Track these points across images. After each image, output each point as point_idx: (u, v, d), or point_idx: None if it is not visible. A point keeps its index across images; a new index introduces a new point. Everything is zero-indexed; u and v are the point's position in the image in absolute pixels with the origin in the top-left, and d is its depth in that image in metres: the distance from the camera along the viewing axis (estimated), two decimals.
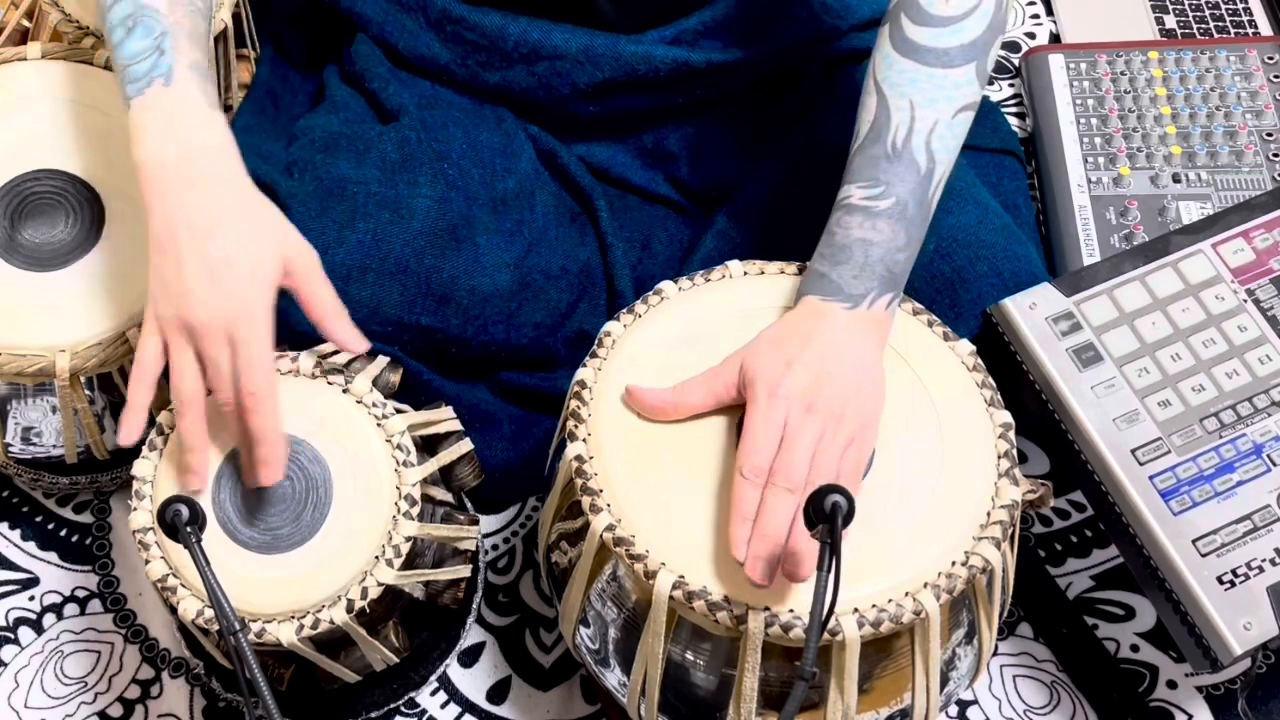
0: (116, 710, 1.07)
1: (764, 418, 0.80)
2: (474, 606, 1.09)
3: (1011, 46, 1.51)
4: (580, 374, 0.88)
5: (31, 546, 1.16)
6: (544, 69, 1.10)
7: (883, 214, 0.85)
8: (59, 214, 1.01)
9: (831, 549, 0.70)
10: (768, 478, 0.79)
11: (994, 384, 0.88)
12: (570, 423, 0.86)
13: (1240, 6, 1.48)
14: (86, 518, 1.17)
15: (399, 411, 0.92)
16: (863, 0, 1.15)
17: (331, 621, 0.86)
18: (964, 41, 0.86)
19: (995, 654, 1.09)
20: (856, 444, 0.82)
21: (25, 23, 1.21)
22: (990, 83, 1.48)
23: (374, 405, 0.91)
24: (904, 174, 0.85)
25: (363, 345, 0.89)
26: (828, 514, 0.71)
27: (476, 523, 0.96)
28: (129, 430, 0.85)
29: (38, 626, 1.11)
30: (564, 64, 1.09)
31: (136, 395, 0.85)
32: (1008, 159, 1.23)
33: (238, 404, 0.84)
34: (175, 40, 0.87)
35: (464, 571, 0.96)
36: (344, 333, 0.88)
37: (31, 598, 1.13)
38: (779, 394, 0.81)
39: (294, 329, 0.95)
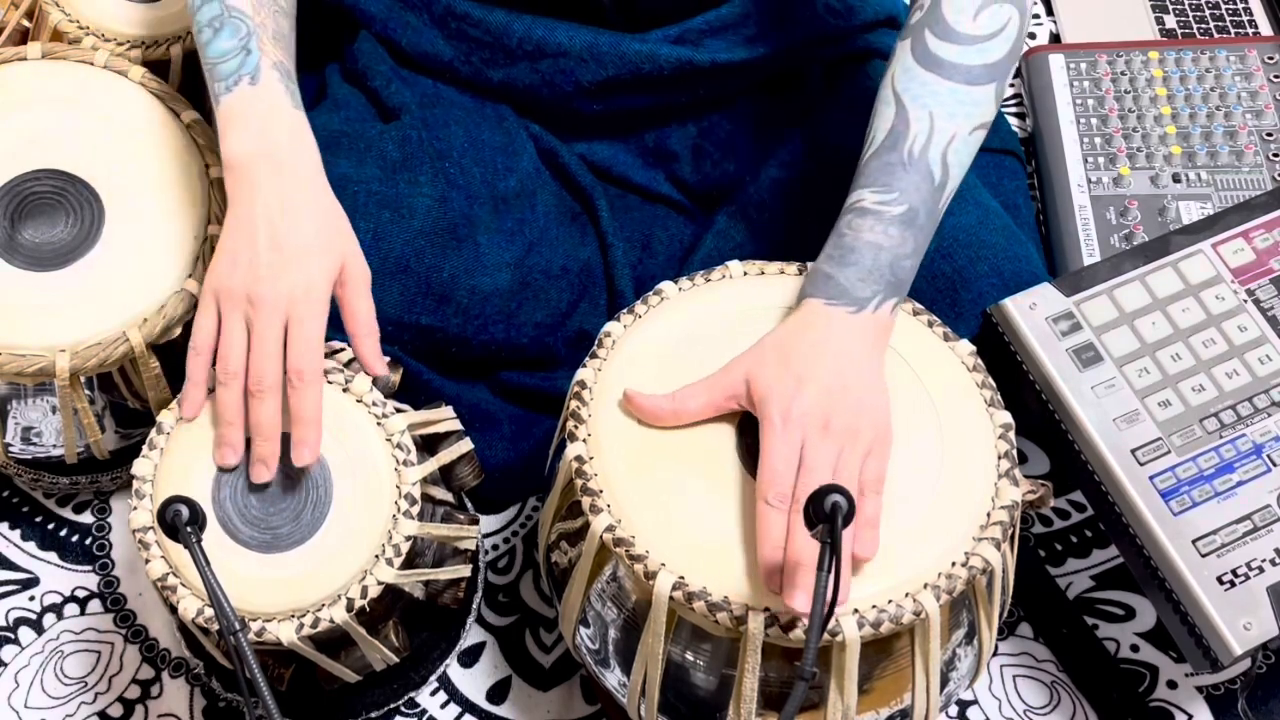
0: (116, 710, 1.07)
1: (781, 441, 0.80)
2: (474, 606, 1.09)
3: None
4: (580, 374, 0.88)
5: (31, 546, 1.16)
6: (548, 66, 1.10)
7: (895, 220, 0.84)
8: (59, 214, 1.01)
9: (831, 549, 0.70)
10: (791, 504, 0.79)
11: (994, 384, 0.88)
12: (570, 423, 0.86)
13: (1240, 6, 1.48)
14: (86, 518, 1.17)
15: (399, 411, 0.92)
16: (866, 2, 1.15)
17: (331, 621, 0.86)
18: (988, 61, 0.87)
19: (995, 654, 1.08)
20: (875, 454, 0.82)
21: (25, 23, 1.21)
22: None
23: (374, 405, 0.91)
24: (919, 183, 0.85)
25: (381, 369, 0.91)
26: (828, 514, 0.71)
27: (476, 523, 0.96)
28: (191, 404, 0.89)
29: (38, 626, 1.11)
30: (568, 62, 1.09)
31: (195, 369, 0.88)
32: (1008, 159, 1.24)
33: (264, 386, 0.85)
34: (260, 41, 0.90)
35: (464, 571, 0.96)
36: (370, 352, 0.90)
37: (31, 598, 1.13)
38: (793, 416, 0.80)
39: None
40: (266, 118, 0.89)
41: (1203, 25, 1.46)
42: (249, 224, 0.87)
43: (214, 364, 0.88)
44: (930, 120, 0.86)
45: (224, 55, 0.90)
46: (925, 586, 0.79)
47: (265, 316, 0.85)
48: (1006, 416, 0.87)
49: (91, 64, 1.07)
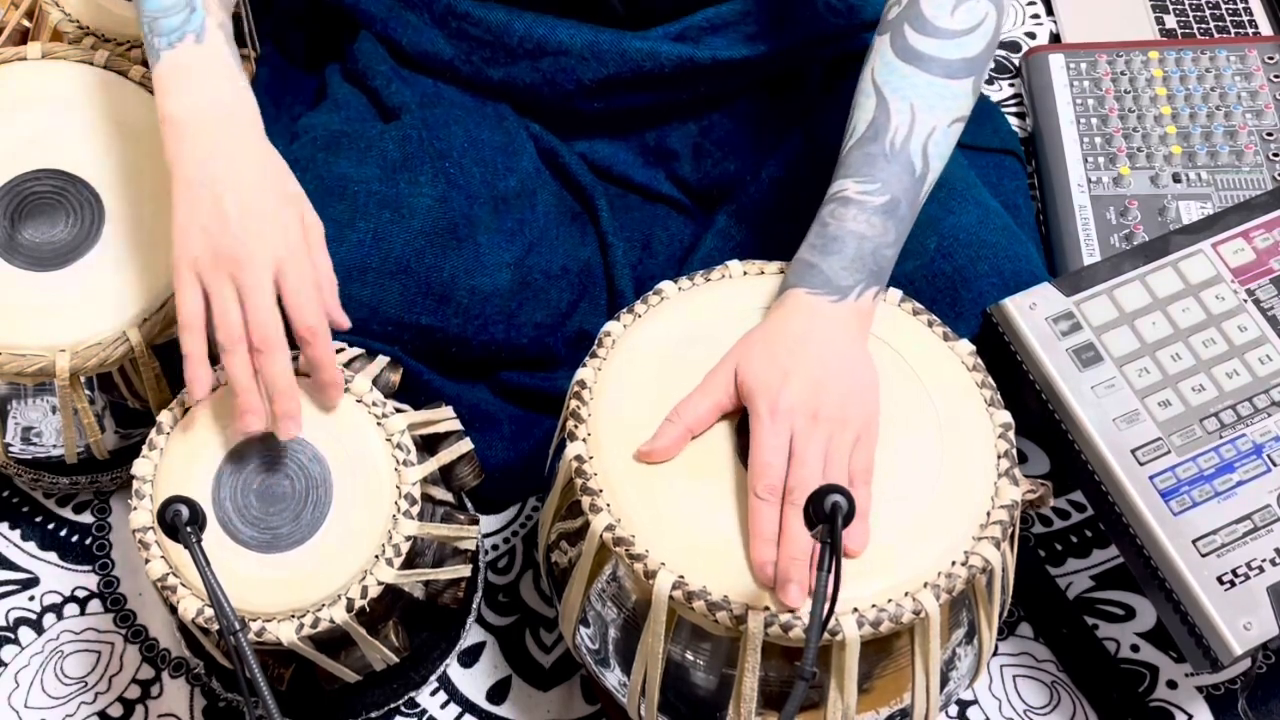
0: (116, 710, 1.07)
1: (770, 434, 0.80)
2: (474, 606, 1.09)
3: (1011, 46, 1.51)
4: (580, 374, 0.88)
5: (31, 546, 1.16)
6: (549, 65, 1.10)
7: (877, 210, 0.85)
8: (59, 214, 1.01)
9: (831, 549, 0.70)
10: (784, 496, 0.79)
11: (994, 384, 0.88)
12: (570, 423, 0.86)
13: (1240, 6, 1.48)
14: (86, 518, 1.17)
15: (399, 411, 0.92)
16: (867, 1, 1.15)
17: (331, 621, 0.86)
18: (967, 55, 0.88)
19: (995, 654, 1.08)
20: (863, 441, 0.82)
21: (25, 23, 1.21)
22: (990, 82, 1.47)
23: (374, 405, 0.91)
24: (900, 174, 0.86)
25: (344, 321, 0.89)
26: (828, 514, 0.71)
27: (476, 523, 0.96)
28: (199, 382, 0.86)
29: (38, 626, 1.11)
30: (569, 60, 1.09)
31: (191, 346, 0.85)
32: (1008, 159, 1.24)
33: (270, 343, 0.83)
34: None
35: (464, 571, 0.96)
36: (332, 304, 0.88)
37: (31, 598, 1.13)
38: (780, 409, 0.81)
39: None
40: (212, 76, 0.88)
41: (1203, 25, 1.46)
42: (207, 185, 0.85)
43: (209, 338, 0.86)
44: (911, 112, 0.86)
45: (166, 10, 0.88)
46: (925, 586, 0.79)
47: (254, 275, 0.83)
48: (1006, 416, 0.87)
49: (91, 64, 1.07)
